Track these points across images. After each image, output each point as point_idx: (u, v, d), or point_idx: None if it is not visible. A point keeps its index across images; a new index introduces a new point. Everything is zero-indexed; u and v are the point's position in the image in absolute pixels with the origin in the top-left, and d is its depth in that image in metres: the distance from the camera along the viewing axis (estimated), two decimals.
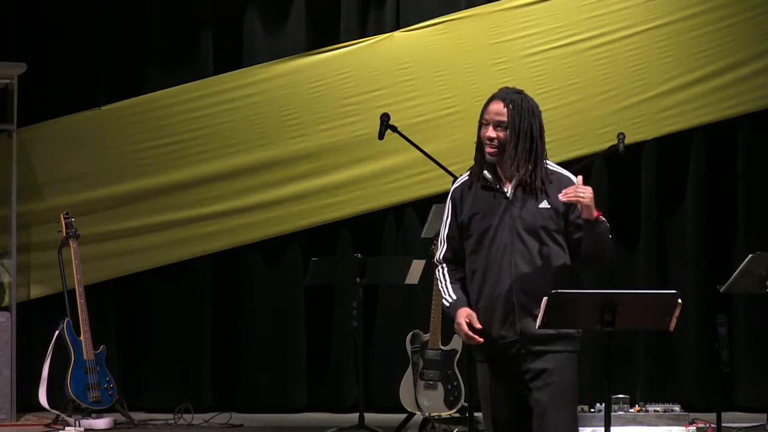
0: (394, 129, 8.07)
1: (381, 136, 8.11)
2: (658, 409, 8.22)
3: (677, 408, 8.26)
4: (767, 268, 7.37)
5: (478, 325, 4.87)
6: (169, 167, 9.50)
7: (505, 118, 4.95)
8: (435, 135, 9.25)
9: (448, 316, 5.01)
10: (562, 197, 4.83)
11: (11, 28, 9.47)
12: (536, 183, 4.92)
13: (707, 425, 8.03)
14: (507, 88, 5.10)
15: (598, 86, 9.35)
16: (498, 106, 4.99)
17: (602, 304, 4.80)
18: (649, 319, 4.99)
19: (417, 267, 8.30)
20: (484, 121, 4.98)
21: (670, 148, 9.37)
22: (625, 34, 9.37)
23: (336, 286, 9.42)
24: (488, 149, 4.95)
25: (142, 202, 9.47)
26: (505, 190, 4.95)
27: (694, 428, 8.10)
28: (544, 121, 9.81)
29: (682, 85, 9.34)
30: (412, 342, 8.40)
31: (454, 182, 5.12)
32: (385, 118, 8.06)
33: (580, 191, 4.83)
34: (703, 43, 9.35)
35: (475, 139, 5.04)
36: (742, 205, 9.34)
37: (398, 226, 9.51)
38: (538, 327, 4.81)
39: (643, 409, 8.23)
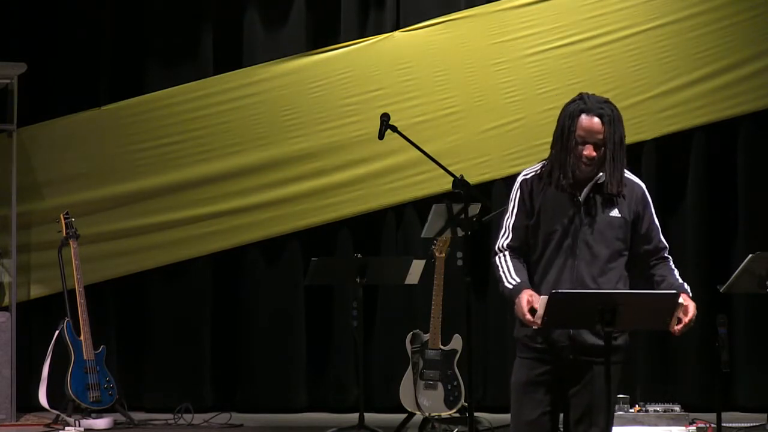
0: (394, 129, 8.05)
1: (381, 136, 8.09)
2: (658, 409, 8.22)
3: (677, 408, 8.26)
4: (767, 268, 7.36)
5: (539, 308, 4.77)
6: (169, 167, 9.50)
7: (602, 137, 4.87)
8: (435, 135, 9.25)
9: (509, 299, 4.89)
10: (676, 332, 4.83)
11: (11, 28, 9.47)
12: (617, 189, 4.89)
13: (707, 425, 8.03)
14: (593, 97, 4.97)
15: (598, 86, 9.33)
16: (595, 124, 4.87)
17: (602, 304, 4.79)
18: (650, 319, 4.99)
19: (417, 267, 8.30)
20: (578, 139, 4.87)
21: (670, 148, 9.38)
22: (625, 34, 9.37)
23: (336, 286, 9.42)
24: (585, 167, 4.87)
25: (142, 202, 9.47)
26: (580, 195, 4.92)
27: (694, 428, 8.10)
28: (544, 122, 9.85)
29: (682, 85, 9.34)
30: (412, 342, 8.40)
31: (522, 172, 5.04)
32: (385, 118, 8.04)
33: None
34: (703, 43, 9.35)
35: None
36: (742, 205, 9.35)
37: (398, 226, 9.51)
38: (539, 326, 4.80)
39: (643, 409, 8.23)
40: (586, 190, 4.91)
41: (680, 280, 4.97)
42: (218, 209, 9.49)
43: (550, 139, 9.85)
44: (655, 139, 9.35)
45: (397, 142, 8.16)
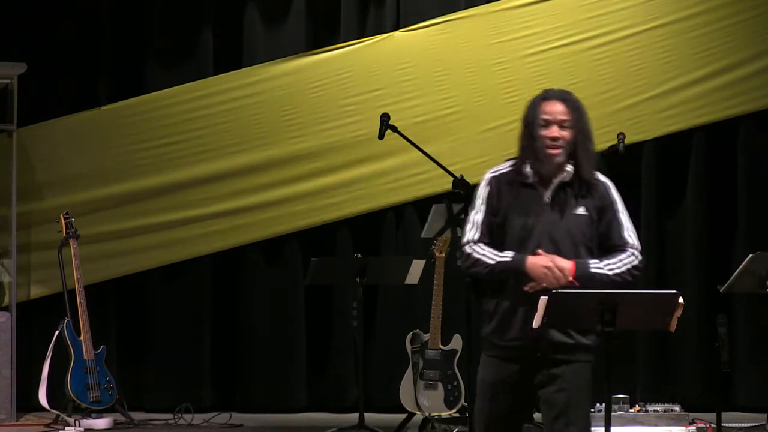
0: (394, 129, 8.07)
1: (381, 136, 8.11)
2: (658, 409, 8.22)
3: (677, 408, 8.26)
4: (767, 268, 7.36)
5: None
6: (169, 167, 9.50)
7: (568, 118, 4.92)
8: (435, 135, 9.25)
9: (511, 271, 4.84)
10: (527, 289, 4.79)
11: (11, 28, 9.47)
12: (592, 179, 4.91)
13: (707, 425, 8.02)
14: (554, 89, 5.03)
15: (598, 86, 9.35)
16: (558, 106, 4.93)
17: (602, 304, 4.80)
18: (649, 319, 4.99)
19: (417, 267, 8.30)
20: (542, 122, 4.92)
21: (670, 148, 9.37)
22: (625, 34, 9.37)
23: (336, 286, 9.42)
24: (553, 150, 4.90)
25: (142, 202, 9.47)
26: (546, 191, 4.93)
27: (694, 428, 8.10)
28: None
29: (682, 85, 9.34)
30: (412, 342, 8.40)
31: (491, 170, 5.06)
32: (385, 118, 8.06)
33: (558, 277, 4.79)
34: (703, 43, 9.35)
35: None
36: (742, 205, 9.34)
37: (398, 226, 9.51)
38: (538, 326, 4.80)
39: (643, 409, 8.23)
40: (553, 187, 4.92)
41: (609, 262, 4.88)
42: (218, 209, 9.49)
43: None
44: (655, 139, 9.35)
45: (397, 142, 8.18)
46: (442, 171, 7.69)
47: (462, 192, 6.87)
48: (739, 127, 9.38)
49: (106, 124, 9.54)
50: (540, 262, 4.82)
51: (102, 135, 9.52)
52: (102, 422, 8.56)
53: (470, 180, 8.28)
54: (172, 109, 9.53)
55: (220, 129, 9.52)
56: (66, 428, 8.49)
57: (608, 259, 4.92)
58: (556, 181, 4.93)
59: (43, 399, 8.69)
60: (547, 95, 4.97)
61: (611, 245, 4.95)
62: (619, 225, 4.97)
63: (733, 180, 9.38)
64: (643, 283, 9.05)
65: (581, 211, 4.91)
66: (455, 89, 9.37)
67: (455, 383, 8.33)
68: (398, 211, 9.50)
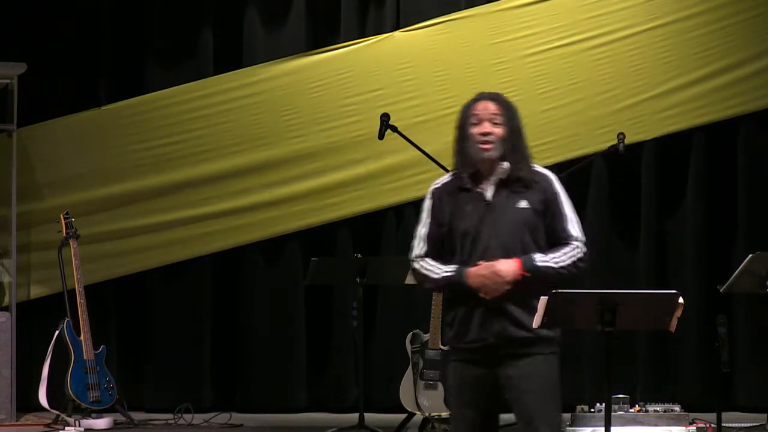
0: (394, 129, 8.08)
1: (381, 136, 8.12)
2: (658, 409, 8.21)
3: (677, 408, 8.25)
4: (767, 268, 7.36)
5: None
6: (169, 167, 9.50)
7: (498, 113, 4.98)
8: (435, 135, 9.23)
9: (456, 284, 4.88)
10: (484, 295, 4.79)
11: (11, 28, 9.47)
12: (527, 180, 4.92)
13: (707, 425, 8.02)
14: (483, 92, 5.13)
15: (598, 86, 9.35)
16: (489, 104, 5.02)
17: (602, 304, 4.80)
18: (650, 319, 4.99)
19: None
20: (474, 120, 4.98)
21: (670, 148, 9.37)
22: (625, 34, 9.36)
23: (336, 286, 9.42)
24: (485, 146, 4.94)
25: (142, 202, 9.48)
26: (486, 191, 4.94)
27: (694, 428, 8.09)
28: (544, 121, 9.87)
29: (682, 85, 9.34)
30: (412, 342, 8.39)
31: (434, 183, 5.13)
32: (385, 118, 8.07)
33: (494, 285, 4.78)
34: (703, 43, 9.35)
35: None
36: (742, 205, 9.34)
37: (398, 226, 9.51)
38: (538, 326, 4.80)
39: (643, 409, 8.22)
40: (492, 186, 4.93)
41: (555, 256, 4.87)
42: (218, 209, 9.49)
43: (551, 139, 9.93)
44: (655, 139, 9.34)
45: (397, 142, 8.19)
46: (442, 171, 7.70)
47: None
48: (739, 127, 9.38)
49: (106, 124, 9.54)
50: (479, 272, 4.82)
51: (102, 135, 9.52)
52: (102, 422, 8.56)
53: None
54: (172, 109, 9.53)
55: (220, 129, 9.52)
56: (66, 428, 8.49)
57: (553, 252, 4.89)
58: (494, 179, 4.94)
59: (43, 399, 8.69)
60: (478, 97, 5.07)
61: (556, 238, 4.93)
62: (562, 218, 4.94)
63: (733, 180, 9.38)
64: (643, 283, 9.16)
65: (524, 204, 4.91)
66: (455, 89, 9.36)
67: None
68: (398, 211, 9.50)
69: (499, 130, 4.96)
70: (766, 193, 9.29)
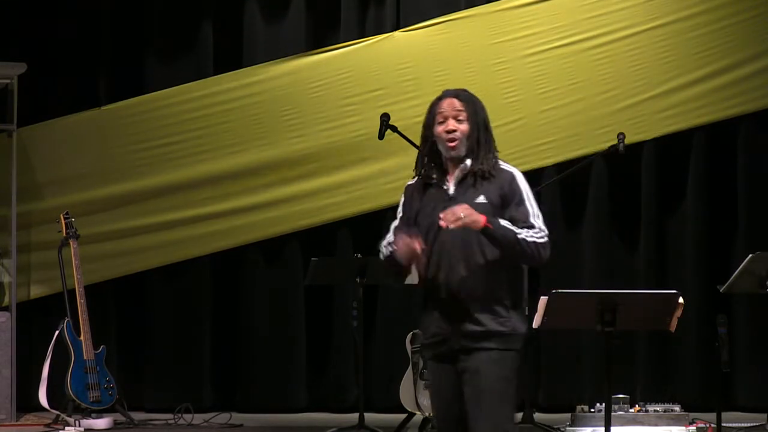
0: (394, 129, 8.07)
1: (381, 136, 8.11)
2: (658, 409, 8.22)
3: (677, 408, 8.26)
4: (767, 268, 7.37)
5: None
6: (169, 167, 9.50)
7: (463, 110, 5.02)
8: None
9: (394, 258, 5.02)
10: (442, 223, 4.81)
11: (11, 28, 9.47)
12: (488, 170, 4.95)
13: (707, 425, 8.03)
14: (448, 89, 5.16)
15: (598, 86, 9.35)
16: (453, 101, 5.06)
17: (602, 304, 4.80)
18: (650, 319, 4.99)
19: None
20: (439, 118, 5.03)
21: (670, 148, 9.37)
22: (625, 34, 9.36)
23: (336, 286, 9.42)
24: (450, 143, 4.99)
25: (142, 202, 9.48)
26: (448, 186, 4.99)
27: (694, 428, 8.10)
28: (544, 121, 9.85)
29: (682, 85, 9.34)
30: (412, 342, 8.39)
31: (409, 181, 5.17)
32: (385, 118, 8.06)
33: (458, 213, 4.79)
34: (703, 43, 9.35)
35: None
36: (742, 205, 9.34)
37: None
38: (537, 326, 4.81)
39: (643, 409, 8.23)
40: (455, 181, 4.97)
41: (521, 229, 4.86)
42: (218, 209, 9.49)
43: (551, 139, 9.92)
44: (655, 139, 9.34)
45: (397, 142, 8.18)
46: None
47: None
48: (739, 127, 9.38)
49: (106, 124, 9.54)
50: (402, 241, 4.92)
51: (102, 135, 9.52)
52: (102, 422, 8.56)
53: None
54: (172, 109, 9.53)
55: (220, 129, 9.52)
56: (66, 428, 8.49)
57: (519, 227, 4.89)
58: (457, 174, 4.98)
59: (43, 399, 8.69)
60: (443, 94, 5.12)
61: (522, 226, 4.91)
62: (525, 211, 4.93)
63: (733, 180, 9.38)
64: (643, 283, 9.16)
65: (482, 199, 4.92)
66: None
67: None
68: None
69: (464, 127, 5.01)
70: (766, 193, 9.29)
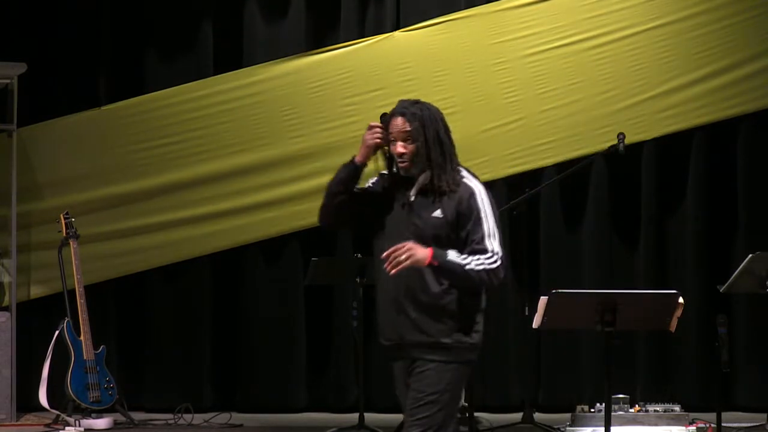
0: None
1: None
2: (658, 409, 8.22)
3: (677, 408, 8.26)
4: (767, 268, 7.36)
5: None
6: (169, 167, 9.50)
7: (408, 130, 4.94)
8: None
9: (345, 169, 5.06)
10: (386, 266, 4.75)
11: (11, 28, 9.47)
12: (446, 188, 4.87)
13: (707, 425, 8.03)
14: (403, 101, 5.08)
15: (598, 86, 9.35)
16: (399, 121, 4.98)
17: (602, 304, 4.80)
18: (650, 319, 4.99)
19: None
20: (391, 138, 4.98)
21: (670, 148, 9.37)
22: (625, 34, 9.36)
23: (336, 286, 9.42)
24: (401, 164, 4.94)
25: (142, 202, 9.48)
26: (412, 195, 4.93)
27: (694, 428, 8.10)
28: (544, 121, 9.82)
29: (682, 85, 9.34)
30: None
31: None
32: (385, 118, 8.05)
33: (400, 256, 4.73)
34: (703, 43, 9.35)
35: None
36: (742, 205, 9.34)
37: None
38: (537, 326, 4.80)
39: (643, 409, 8.23)
40: (414, 190, 4.92)
41: (467, 257, 4.78)
42: (218, 209, 9.49)
43: (551, 139, 9.92)
44: (655, 139, 9.34)
45: None
46: None
47: None
48: (739, 127, 9.38)
49: (106, 124, 9.54)
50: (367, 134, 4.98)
51: (102, 135, 9.52)
52: (102, 422, 8.56)
53: None
54: (172, 109, 9.53)
55: (220, 129, 9.52)
56: (66, 428, 8.50)
57: (468, 255, 4.80)
58: (416, 187, 4.92)
59: (43, 399, 8.69)
60: (392, 112, 5.04)
61: (471, 249, 4.82)
62: (480, 231, 4.83)
63: (733, 180, 9.38)
64: (643, 283, 9.16)
65: (438, 213, 4.86)
66: (455, 89, 9.37)
67: None
68: None
69: (411, 147, 4.93)
70: (766, 193, 9.29)
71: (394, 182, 5.00)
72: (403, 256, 4.71)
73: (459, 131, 9.35)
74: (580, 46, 9.38)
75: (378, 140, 4.97)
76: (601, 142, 9.11)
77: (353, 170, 5.04)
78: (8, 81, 9.09)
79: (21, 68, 9.06)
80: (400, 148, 4.93)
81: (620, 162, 9.01)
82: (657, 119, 9.33)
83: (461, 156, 8.93)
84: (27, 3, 9.52)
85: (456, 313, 4.82)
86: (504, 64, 9.38)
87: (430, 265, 4.72)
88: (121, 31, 9.62)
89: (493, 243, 4.81)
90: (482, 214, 4.85)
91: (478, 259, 4.77)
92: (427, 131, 4.94)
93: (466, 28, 9.45)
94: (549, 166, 9.33)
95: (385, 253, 4.76)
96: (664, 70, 9.35)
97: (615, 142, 8.33)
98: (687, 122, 9.34)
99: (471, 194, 4.87)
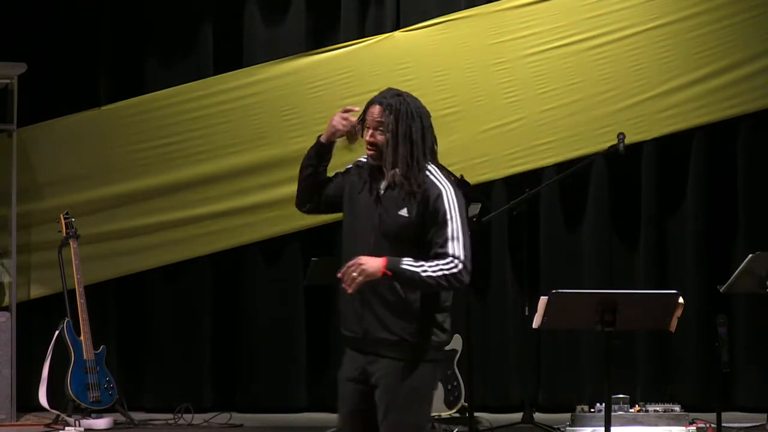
0: None
1: None
2: (658, 409, 8.23)
3: (677, 408, 8.26)
4: (767, 268, 7.37)
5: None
6: (169, 167, 9.50)
7: (381, 121, 4.88)
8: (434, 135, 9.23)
9: (313, 150, 5.13)
10: (344, 285, 4.71)
11: (11, 28, 9.47)
12: (408, 188, 4.80)
13: (707, 425, 8.03)
14: (389, 89, 5.01)
15: (598, 86, 9.35)
16: (376, 109, 4.93)
17: (602, 304, 4.80)
18: (650, 319, 5.00)
19: None
20: (366, 124, 4.94)
21: (670, 148, 9.37)
22: (625, 34, 9.36)
23: (336, 286, 9.39)
24: (368, 152, 4.91)
25: (142, 202, 9.47)
26: (381, 189, 4.87)
27: (694, 428, 8.10)
28: (544, 121, 9.80)
29: (682, 85, 9.34)
30: None
31: (358, 159, 5.09)
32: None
33: (352, 273, 4.67)
34: (703, 43, 9.35)
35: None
36: (742, 205, 9.34)
37: None
38: (537, 326, 4.80)
39: (643, 409, 8.23)
40: (383, 184, 4.87)
41: (424, 264, 4.67)
42: (218, 209, 9.49)
43: (551, 139, 9.91)
44: (655, 139, 9.34)
45: None
46: None
47: (462, 192, 6.86)
48: (739, 127, 9.38)
49: (106, 124, 9.54)
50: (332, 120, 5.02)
51: (102, 135, 9.52)
52: (102, 422, 8.56)
53: (470, 180, 8.31)
54: (172, 109, 9.53)
55: (220, 129, 9.52)
56: (66, 428, 8.50)
57: (426, 261, 4.70)
58: (385, 181, 4.86)
59: (43, 399, 8.69)
60: (371, 100, 4.99)
61: (434, 253, 4.73)
62: (443, 234, 4.73)
63: (733, 180, 9.38)
64: (643, 283, 9.16)
65: (404, 212, 4.78)
66: (455, 89, 9.37)
67: (455, 383, 8.33)
68: None
69: (381, 137, 4.88)
70: (766, 193, 9.29)
71: (369, 169, 4.95)
72: (355, 273, 4.65)
73: (459, 131, 9.49)
74: (580, 46, 9.38)
75: (342, 127, 4.99)
76: (601, 142, 9.11)
77: (319, 147, 5.09)
78: (8, 81, 9.09)
79: (21, 68, 9.06)
80: (369, 137, 4.90)
81: (620, 162, 9.01)
82: (657, 119, 9.33)
83: (461, 156, 8.93)
84: (27, 3, 9.51)
85: (421, 311, 4.75)
86: (504, 64, 9.38)
87: (384, 275, 4.64)
88: (121, 31, 9.62)
89: (455, 247, 4.70)
90: (447, 217, 4.74)
91: (437, 265, 4.67)
92: (399, 126, 4.86)
93: (466, 28, 9.45)
94: (549, 166, 9.33)
95: (339, 273, 4.70)
96: (664, 70, 9.35)
97: (615, 142, 8.33)
98: (687, 122, 9.34)
99: (438, 195, 4.78)
